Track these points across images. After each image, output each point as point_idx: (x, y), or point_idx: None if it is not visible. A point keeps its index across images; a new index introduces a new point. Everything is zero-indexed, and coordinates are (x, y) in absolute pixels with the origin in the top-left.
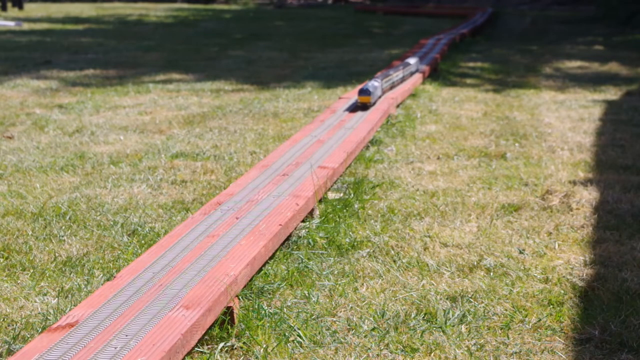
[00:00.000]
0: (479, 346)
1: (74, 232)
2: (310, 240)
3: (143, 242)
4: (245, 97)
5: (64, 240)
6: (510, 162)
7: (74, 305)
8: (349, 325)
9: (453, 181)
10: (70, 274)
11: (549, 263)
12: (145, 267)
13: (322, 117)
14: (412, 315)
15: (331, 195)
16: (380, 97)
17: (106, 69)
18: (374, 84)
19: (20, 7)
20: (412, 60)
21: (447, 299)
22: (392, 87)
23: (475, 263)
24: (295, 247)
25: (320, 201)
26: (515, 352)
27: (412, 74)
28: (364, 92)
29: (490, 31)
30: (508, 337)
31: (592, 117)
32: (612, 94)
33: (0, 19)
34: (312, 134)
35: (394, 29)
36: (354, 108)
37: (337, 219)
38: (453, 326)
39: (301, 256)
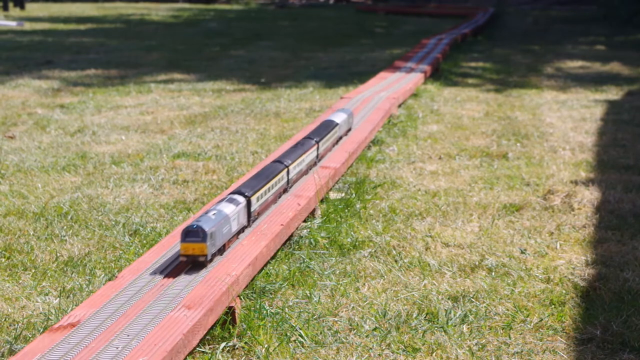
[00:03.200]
0: (480, 346)
1: (75, 232)
2: (311, 240)
3: (145, 242)
4: (246, 97)
5: (66, 240)
6: (511, 162)
7: (76, 305)
8: (350, 325)
9: (455, 181)
10: (71, 274)
11: (550, 263)
12: (146, 266)
13: (323, 117)
14: (414, 315)
15: (333, 195)
16: (240, 231)
17: (108, 68)
18: (220, 214)
19: (22, 7)
20: (339, 118)
21: (448, 298)
22: (284, 191)
23: (476, 263)
24: (296, 247)
25: (321, 201)
26: (517, 352)
27: (339, 138)
28: (190, 234)
29: (491, 31)
30: (510, 337)
31: (594, 117)
32: (614, 93)
33: (2, 19)
34: None
35: (395, 29)
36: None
37: (339, 219)
38: (455, 326)
39: (303, 256)
